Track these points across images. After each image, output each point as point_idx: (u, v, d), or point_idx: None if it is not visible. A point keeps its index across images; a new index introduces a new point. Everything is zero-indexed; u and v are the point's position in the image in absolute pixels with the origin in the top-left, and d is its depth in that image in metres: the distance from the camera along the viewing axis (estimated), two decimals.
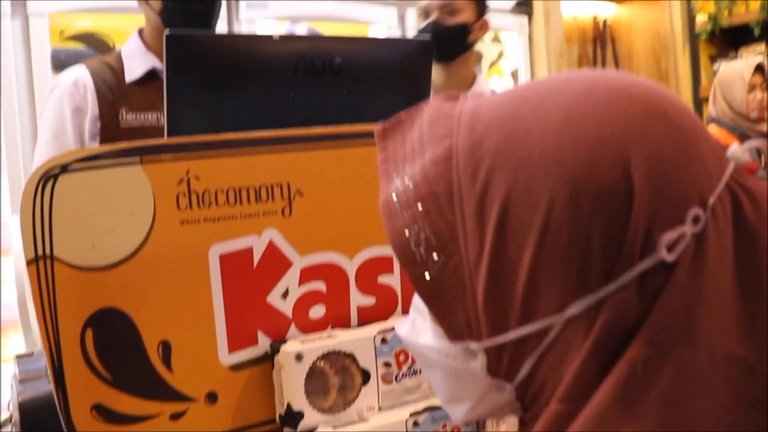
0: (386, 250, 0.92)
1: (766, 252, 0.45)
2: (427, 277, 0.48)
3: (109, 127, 1.62)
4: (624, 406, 0.42)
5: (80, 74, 1.65)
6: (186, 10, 1.62)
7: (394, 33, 3.12)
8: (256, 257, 0.84)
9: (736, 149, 0.46)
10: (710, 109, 2.71)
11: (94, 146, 1.57)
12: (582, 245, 0.43)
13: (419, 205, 0.48)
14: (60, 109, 1.63)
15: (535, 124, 0.45)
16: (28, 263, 0.71)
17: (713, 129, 2.59)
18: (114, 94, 1.64)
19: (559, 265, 0.44)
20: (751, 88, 2.54)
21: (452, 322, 0.49)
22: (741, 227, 0.45)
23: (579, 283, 0.44)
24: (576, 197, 0.43)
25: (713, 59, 4.02)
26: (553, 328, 0.45)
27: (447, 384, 0.54)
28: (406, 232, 0.49)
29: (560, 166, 0.44)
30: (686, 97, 3.90)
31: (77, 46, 2.63)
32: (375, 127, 0.54)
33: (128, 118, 1.64)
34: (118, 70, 1.67)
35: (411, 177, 0.49)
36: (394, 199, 0.50)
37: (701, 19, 3.96)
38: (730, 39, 3.97)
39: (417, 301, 0.56)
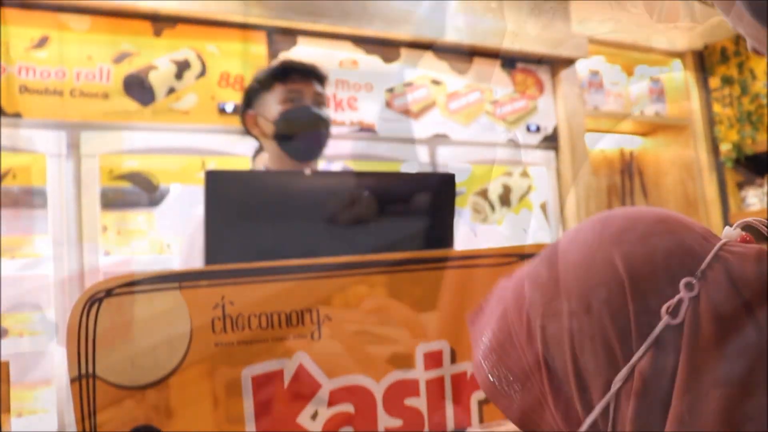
0: (412, 374, 0.95)
1: (751, 286, 0.55)
2: (514, 406, 0.61)
3: None
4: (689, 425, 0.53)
5: None
6: (297, 124, 1.72)
7: (426, 170, 3.22)
8: (287, 379, 0.87)
9: (728, 230, 0.60)
10: None
11: None
12: (602, 333, 0.55)
13: (494, 354, 0.63)
14: (191, 242, 1.71)
15: (552, 270, 0.61)
16: (72, 381, 0.76)
17: None
18: None
19: (594, 353, 0.56)
20: None
21: None
22: (732, 278, 0.56)
23: (613, 362, 0.55)
24: (586, 298, 0.57)
25: (740, 186, 4.06)
26: (610, 404, 0.55)
27: None
28: (490, 376, 0.62)
29: (570, 284, 0.58)
30: (716, 223, 3.91)
31: (124, 185, 2.77)
32: (467, 315, 0.70)
33: None
34: None
35: (489, 339, 0.64)
36: (480, 356, 0.64)
37: (725, 147, 4.03)
38: (755, 166, 4.02)
39: None
